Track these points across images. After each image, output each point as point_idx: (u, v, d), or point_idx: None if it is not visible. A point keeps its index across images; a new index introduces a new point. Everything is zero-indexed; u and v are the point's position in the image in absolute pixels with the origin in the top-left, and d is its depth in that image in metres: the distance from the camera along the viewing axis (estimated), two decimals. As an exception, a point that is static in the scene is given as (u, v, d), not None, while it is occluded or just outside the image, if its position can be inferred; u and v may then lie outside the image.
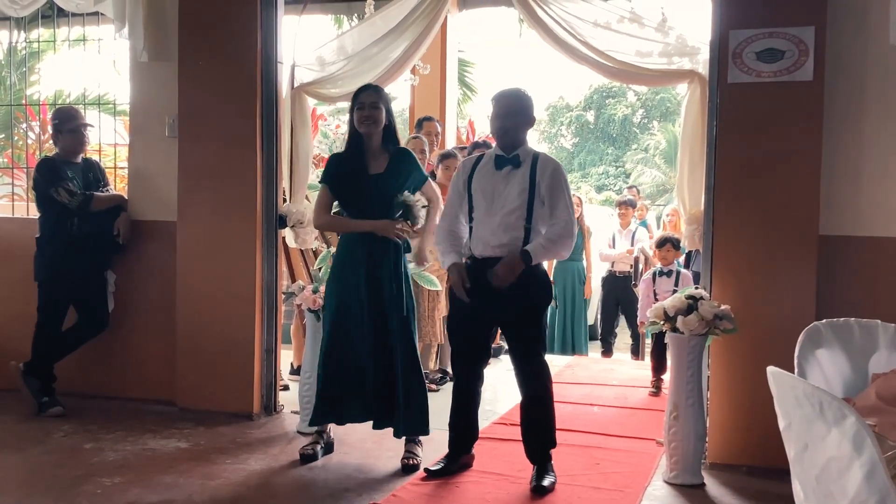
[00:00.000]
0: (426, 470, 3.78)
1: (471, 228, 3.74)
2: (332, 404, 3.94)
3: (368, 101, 3.87)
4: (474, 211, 3.72)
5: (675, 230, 7.66)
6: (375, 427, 3.99)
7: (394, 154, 3.94)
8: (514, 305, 3.63)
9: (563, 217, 3.61)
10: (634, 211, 8.15)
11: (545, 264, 3.81)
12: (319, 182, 4.07)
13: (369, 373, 3.88)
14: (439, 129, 6.24)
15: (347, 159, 3.97)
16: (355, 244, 3.91)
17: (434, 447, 4.13)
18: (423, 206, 3.97)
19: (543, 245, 3.59)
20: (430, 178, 4.15)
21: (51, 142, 5.74)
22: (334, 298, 3.95)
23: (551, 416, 3.75)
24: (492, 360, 5.44)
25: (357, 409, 3.95)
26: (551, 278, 7.86)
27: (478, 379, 3.88)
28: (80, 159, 4.98)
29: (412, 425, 3.91)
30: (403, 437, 3.97)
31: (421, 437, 4.03)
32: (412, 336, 3.92)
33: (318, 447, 4.03)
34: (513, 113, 3.69)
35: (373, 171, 3.92)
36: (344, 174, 3.95)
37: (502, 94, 3.77)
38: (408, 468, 3.88)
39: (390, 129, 3.96)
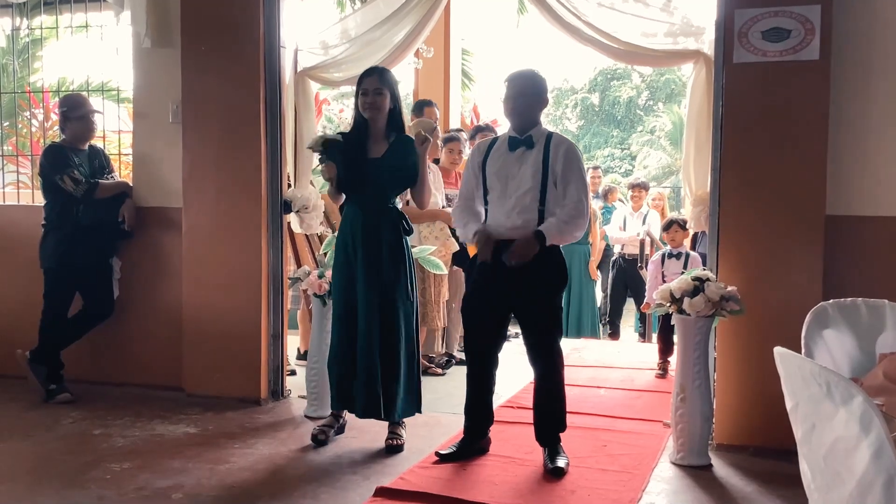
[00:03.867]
0: (437, 453, 3.77)
1: (486, 212, 3.73)
2: (340, 390, 3.96)
3: (372, 87, 3.89)
4: (489, 194, 3.71)
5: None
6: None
7: (394, 141, 3.95)
8: (528, 287, 3.61)
9: (575, 197, 3.58)
10: (647, 193, 8.11)
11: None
12: (321, 162, 4.04)
13: (360, 358, 3.87)
14: (438, 114, 6.22)
15: (350, 142, 3.98)
16: (352, 227, 3.92)
17: (443, 431, 4.15)
18: (336, 131, 3.76)
19: (557, 226, 3.55)
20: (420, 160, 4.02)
21: (56, 129, 5.73)
22: (337, 283, 3.98)
23: (562, 400, 3.74)
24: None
25: (354, 396, 3.92)
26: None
27: (493, 364, 3.82)
28: (86, 146, 4.98)
29: (370, 408, 3.88)
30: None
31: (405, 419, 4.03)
32: (396, 318, 3.88)
33: (332, 430, 4.04)
34: (527, 93, 3.67)
35: (372, 156, 3.93)
36: (346, 156, 3.95)
37: (516, 74, 3.75)
38: (391, 448, 3.90)
39: (395, 114, 3.95)
